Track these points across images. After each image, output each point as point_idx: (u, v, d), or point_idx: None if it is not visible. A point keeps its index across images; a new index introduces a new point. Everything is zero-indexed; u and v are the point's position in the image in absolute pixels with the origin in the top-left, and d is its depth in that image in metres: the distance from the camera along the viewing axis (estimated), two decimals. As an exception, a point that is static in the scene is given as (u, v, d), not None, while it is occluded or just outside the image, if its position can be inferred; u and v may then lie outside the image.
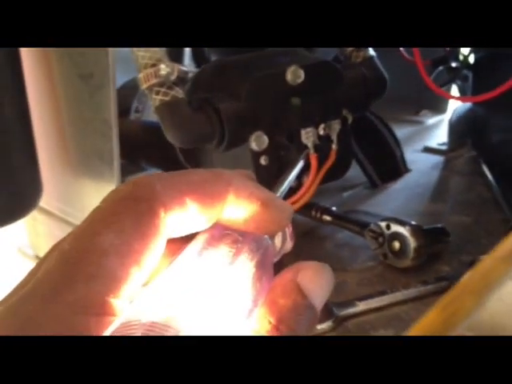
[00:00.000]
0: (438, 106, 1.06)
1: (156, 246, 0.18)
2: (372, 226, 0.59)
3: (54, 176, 0.69)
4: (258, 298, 0.19)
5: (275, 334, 0.19)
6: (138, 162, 0.81)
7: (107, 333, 0.16)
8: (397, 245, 0.57)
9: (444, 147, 0.88)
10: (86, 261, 0.16)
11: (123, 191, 0.18)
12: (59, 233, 0.74)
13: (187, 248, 0.19)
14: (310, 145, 0.55)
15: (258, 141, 0.54)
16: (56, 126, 0.66)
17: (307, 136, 0.55)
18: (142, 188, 0.18)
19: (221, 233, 0.20)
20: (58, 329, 0.15)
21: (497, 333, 0.44)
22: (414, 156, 0.87)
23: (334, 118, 0.56)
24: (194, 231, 0.20)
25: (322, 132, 0.56)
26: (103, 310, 0.16)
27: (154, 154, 0.74)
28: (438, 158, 0.86)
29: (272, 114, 0.54)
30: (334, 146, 0.56)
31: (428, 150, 0.89)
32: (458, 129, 0.86)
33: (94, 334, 0.16)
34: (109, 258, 0.16)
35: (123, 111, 0.75)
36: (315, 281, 0.20)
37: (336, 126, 0.56)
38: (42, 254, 0.81)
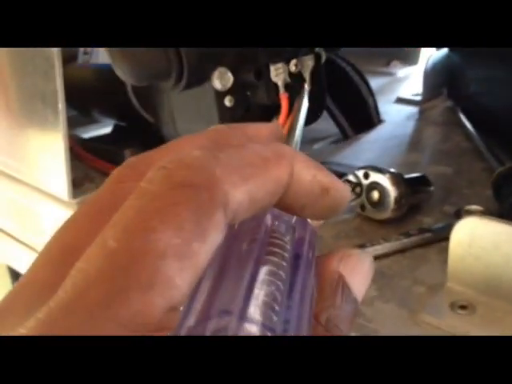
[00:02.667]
0: (409, 57, 1.01)
1: (216, 244, 0.15)
2: (348, 176, 0.54)
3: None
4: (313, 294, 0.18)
5: (323, 333, 0.17)
6: (89, 112, 0.74)
7: None
8: (376, 195, 0.52)
9: (418, 98, 0.83)
10: (139, 265, 0.13)
11: (177, 175, 0.15)
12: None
13: (238, 242, 0.17)
14: (280, 83, 0.49)
15: (222, 78, 0.48)
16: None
17: (277, 73, 0.48)
18: (201, 173, 0.15)
19: (275, 220, 0.18)
20: None
21: (491, 283, 0.40)
22: (386, 107, 0.82)
23: (306, 52, 0.50)
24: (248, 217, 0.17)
25: (293, 69, 0.50)
26: (162, 326, 0.14)
27: (106, 100, 0.66)
28: (412, 109, 0.81)
29: (237, 47, 0.48)
30: (306, 86, 0.50)
31: (401, 100, 0.84)
32: (434, 78, 0.81)
33: None
34: (166, 262, 0.14)
35: (70, 55, 0.67)
36: (358, 272, 0.19)
37: (309, 62, 0.50)
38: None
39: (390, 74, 0.98)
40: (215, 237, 0.15)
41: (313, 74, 0.51)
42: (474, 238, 0.40)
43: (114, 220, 0.15)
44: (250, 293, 0.15)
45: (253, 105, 0.50)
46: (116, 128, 0.70)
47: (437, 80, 0.81)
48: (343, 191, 0.19)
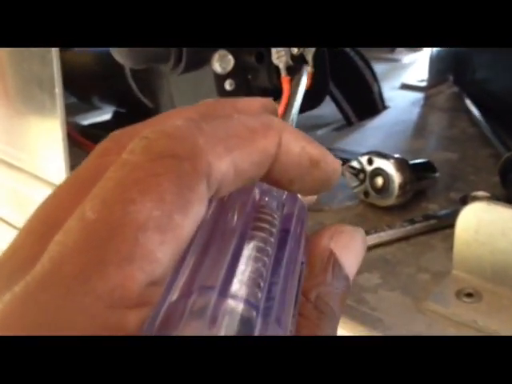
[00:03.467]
0: (415, 44, 0.99)
1: (199, 217, 0.14)
2: (352, 162, 0.52)
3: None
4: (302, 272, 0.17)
5: (312, 311, 0.17)
6: (89, 98, 0.73)
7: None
8: (380, 181, 0.50)
9: (423, 84, 0.81)
10: (118, 238, 0.13)
11: (158, 145, 0.14)
12: None
13: (224, 217, 0.17)
14: (281, 66, 0.47)
15: (222, 61, 0.47)
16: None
17: (279, 56, 0.47)
18: (183, 142, 0.15)
19: (264, 195, 0.18)
20: (90, 327, 0.12)
21: (498, 270, 0.39)
22: (391, 93, 0.81)
23: (309, 34, 0.49)
24: (234, 190, 0.16)
25: (295, 51, 0.48)
26: (142, 301, 0.13)
27: (105, 86, 0.65)
28: (418, 95, 0.80)
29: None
30: (309, 68, 0.48)
31: (406, 86, 0.83)
32: (439, 64, 0.79)
33: (134, 332, 0.13)
34: (147, 235, 0.13)
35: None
36: (350, 249, 0.19)
37: (312, 44, 0.49)
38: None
39: (395, 60, 0.96)
40: (198, 209, 0.14)
41: (315, 56, 0.49)
42: (481, 223, 0.39)
43: (94, 192, 0.14)
44: (234, 268, 0.15)
45: (254, 88, 0.49)
46: (116, 115, 0.69)
47: (442, 66, 0.80)
48: (334, 164, 0.18)
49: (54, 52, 0.50)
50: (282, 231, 0.17)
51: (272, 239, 0.16)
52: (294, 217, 0.18)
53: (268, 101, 0.21)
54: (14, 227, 0.64)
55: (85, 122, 0.75)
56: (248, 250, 0.16)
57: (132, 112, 0.65)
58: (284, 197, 0.19)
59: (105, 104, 0.73)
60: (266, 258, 0.16)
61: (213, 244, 0.16)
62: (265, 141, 0.16)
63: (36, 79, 0.53)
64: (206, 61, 0.47)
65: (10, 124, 0.60)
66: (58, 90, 0.52)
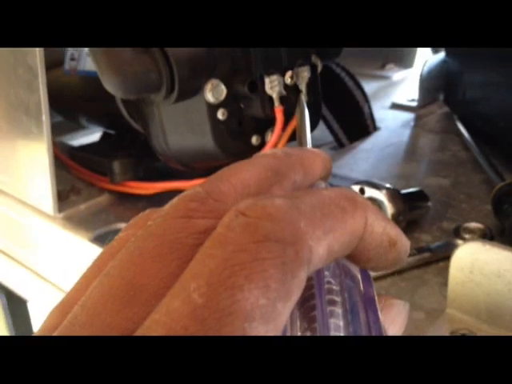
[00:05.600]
0: (405, 60, 0.99)
1: (295, 303, 0.14)
2: (344, 191, 0.52)
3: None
4: None
5: None
6: (76, 119, 0.71)
7: None
8: (372, 211, 0.50)
9: (414, 103, 0.81)
10: (227, 328, 0.13)
11: (263, 227, 0.14)
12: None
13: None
14: (275, 96, 0.47)
15: (215, 91, 0.46)
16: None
17: (272, 85, 0.46)
18: (286, 226, 0.14)
19: (342, 273, 0.18)
20: None
21: (493, 312, 0.38)
22: (381, 113, 0.80)
23: (302, 63, 0.48)
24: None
25: (288, 81, 0.48)
26: None
27: (94, 108, 0.64)
28: (408, 116, 0.80)
29: (231, 58, 0.46)
30: (303, 96, 0.48)
31: (396, 106, 0.83)
32: (430, 83, 0.79)
33: None
34: (252, 326, 0.13)
35: (56, 61, 0.65)
36: (396, 324, 0.19)
37: (305, 73, 0.48)
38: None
39: (385, 78, 0.96)
40: (297, 296, 0.14)
41: (309, 86, 0.49)
42: (476, 264, 0.38)
43: (195, 269, 0.14)
44: None
45: (246, 117, 0.49)
46: (105, 136, 0.67)
47: (433, 85, 0.80)
48: (406, 244, 0.19)
49: (41, 77, 0.49)
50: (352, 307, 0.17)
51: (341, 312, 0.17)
52: (370, 296, 0.18)
53: (324, 155, 0.21)
54: (3, 252, 0.63)
55: (73, 142, 0.74)
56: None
57: (121, 134, 0.64)
58: (354, 271, 0.19)
59: (93, 125, 0.72)
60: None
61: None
62: (354, 221, 0.16)
63: (23, 105, 0.52)
64: (198, 90, 0.46)
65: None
66: (45, 117, 0.51)
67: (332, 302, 0.16)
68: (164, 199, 0.61)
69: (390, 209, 0.49)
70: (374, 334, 0.16)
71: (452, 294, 0.40)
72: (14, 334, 0.65)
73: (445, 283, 0.42)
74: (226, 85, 0.46)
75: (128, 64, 0.43)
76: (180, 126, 0.49)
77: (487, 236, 0.49)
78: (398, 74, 0.97)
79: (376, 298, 0.18)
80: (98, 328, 0.15)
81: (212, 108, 0.47)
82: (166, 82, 0.44)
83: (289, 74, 0.47)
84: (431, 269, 0.46)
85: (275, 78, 0.47)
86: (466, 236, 0.49)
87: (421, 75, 0.78)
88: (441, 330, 0.39)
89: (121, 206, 0.59)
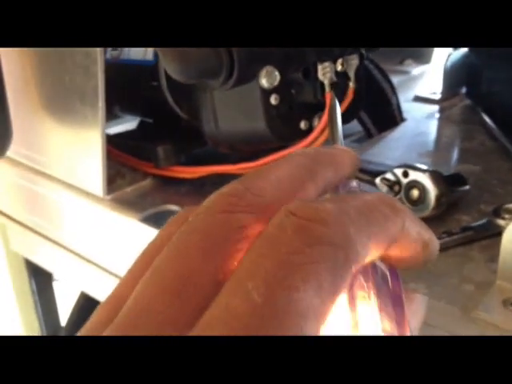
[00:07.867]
0: (422, 56, 1.01)
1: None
2: (386, 174, 0.54)
3: (23, 120, 0.61)
4: None
5: None
6: (112, 108, 0.73)
7: None
8: (415, 193, 0.52)
9: (435, 96, 0.84)
10: (285, 326, 0.14)
11: (316, 230, 0.15)
12: (24, 182, 0.66)
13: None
14: (326, 82, 0.49)
15: (269, 77, 0.48)
16: (26, 61, 0.57)
17: (324, 72, 0.49)
18: (337, 230, 0.16)
19: (373, 270, 0.18)
20: None
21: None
22: (405, 105, 0.83)
23: (352, 51, 0.50)
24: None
25: (339, 68, 0.50)
26: None
27: (131, 96, 0.66)
28: (432, 108, 0.82)
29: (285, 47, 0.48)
30: (351, 84, 0.50)
31: (419, 99, 0.85)
32: (453, 77, 0.82)
33: None
34: (307, 325, 0.14)
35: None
36: (417, 316, 0.20)
37: (354, 61, 0.51)
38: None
39: (405, 73, 0.99)
40: (340, 297, 0.15)
41: (356, 73, 0.51)
42: (528, 236, 0.40)
43: (249, 268, 0.15)
44: None
45: (296, 103, 0.51)
46: (143, 124, 0.69)
47: (456, 78, 0.82)
48: (436, 246, 0.20)
49: (100, 62, 0.51)
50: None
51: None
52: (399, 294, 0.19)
53: (353, 152, 0.22)
54: (46, 237, 0.65)
55: (109, 131, 0.75)
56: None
57: (160, 122, 0.66)
58: (384, 269, 0.20)
59: (127, 114, 0.74)
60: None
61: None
62: (394, 227, 0.17)
63: (78, 91, 0.54)
64: (254, 76, 0.48)
65: (46, 134, 0.61)
66: (101, 102, 0.53)
67: (363, 298, 0.17)
68: (206, 183, 0.63)
69: (433, 190, 0.51)
70: (401, 330, 0.18)
71: (503, 265, 0.42)
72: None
73: (490, 259, 0.44)
74: (280, 71, 0.49)
75: (190, 51, 0.45)
76: (232, 111, 0.51)
77: (526, 216, 0.51)
78: (416, 70, 0.99)
79: (403, 295, 0.19)
80: (153, 320, 0.15)
81: (265, 93, 0.49)
82: (225, 67, 0.46)
83: (340, 61, 0.50)
84: (475, 246, 0.49)
85: (327, 64, 0.49)
86: (506, 216, 0.51)
87: (444, 69, 0.80)
88: (492, 299, 0.41)
89: (165, 190, 0.61)
